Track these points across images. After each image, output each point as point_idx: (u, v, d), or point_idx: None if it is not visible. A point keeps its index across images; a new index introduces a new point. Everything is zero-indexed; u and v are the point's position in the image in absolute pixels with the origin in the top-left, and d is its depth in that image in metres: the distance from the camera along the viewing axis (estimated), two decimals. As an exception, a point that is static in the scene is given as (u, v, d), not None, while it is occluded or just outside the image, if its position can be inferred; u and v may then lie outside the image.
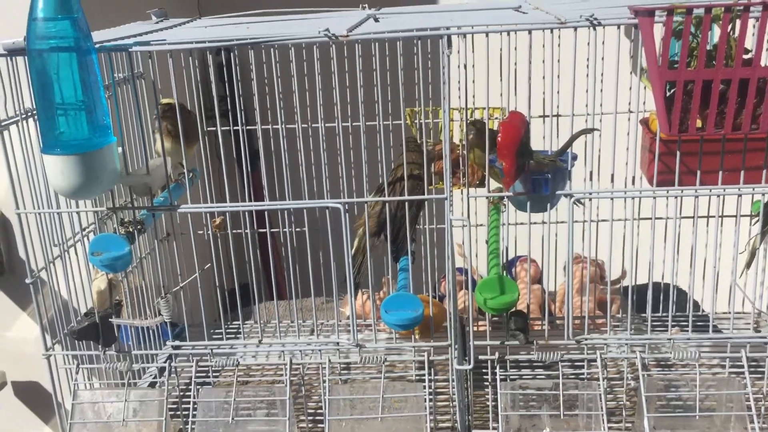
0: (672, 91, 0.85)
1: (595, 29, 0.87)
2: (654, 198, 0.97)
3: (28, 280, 1.01)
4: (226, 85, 1.08)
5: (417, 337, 1.16)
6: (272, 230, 1.22)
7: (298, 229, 1.16)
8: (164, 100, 1.07)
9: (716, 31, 0.83)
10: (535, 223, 1.03)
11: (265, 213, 1.16)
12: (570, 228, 0.95)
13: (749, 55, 0.83)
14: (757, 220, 1.02)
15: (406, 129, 1.21)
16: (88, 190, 0.91)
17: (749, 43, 0.83)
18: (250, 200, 1.08)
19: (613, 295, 1.67)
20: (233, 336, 1.27)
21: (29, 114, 0.99)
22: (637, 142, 1.04)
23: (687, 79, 0.84)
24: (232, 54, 1.00)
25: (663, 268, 1.06)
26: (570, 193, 0.96)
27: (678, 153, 0.91)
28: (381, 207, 1.07)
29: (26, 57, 0.88)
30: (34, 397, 1.69)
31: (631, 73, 1.08)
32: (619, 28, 0.89)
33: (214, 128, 1.14)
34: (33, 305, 1.61)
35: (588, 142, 1.01)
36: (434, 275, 1.27)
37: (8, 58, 0.94)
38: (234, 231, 1.17)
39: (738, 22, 0.81)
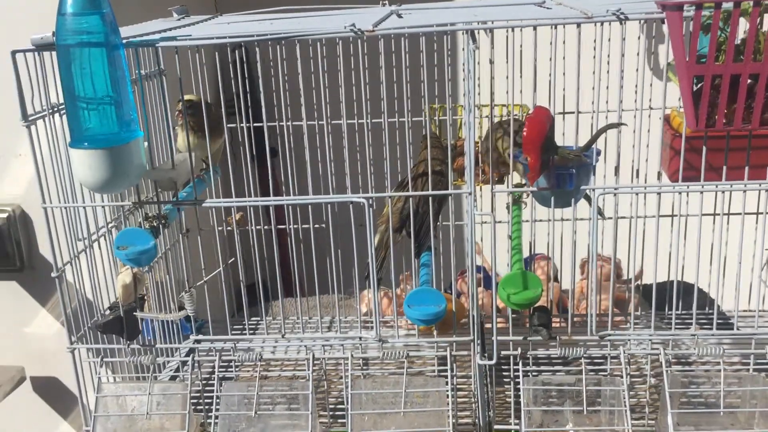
0: (699, 85, 0.85)
1: (622, 24, 0.87)
2: (679, 194, 0.97)
3: (54, 274, 1.02)
4: (247, 81, 1.09)
5: (435, 333, 1.16)
6: (293, 226, 1.23)
7: (317, 226, 1.17)
8: (186, 96, 1.07)
9: (744, 26, 0.83)
10: (556, 219, 1.03)
11: (285, 209, 1.16)
12: (594, 224, 0.95)
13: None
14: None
15: (426, 126, 1.21)
16: (115, 184, 0.91)
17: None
18: (270, 195, 1.08)
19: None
20: (253, 331, 1.28)
21: (56, 109, 0.99)
22: (658, 138, 1.04)
23: (715, 73, 0.84)
24: (256, 49, 1.00)
25: (683, 264, 1.06)
26: (593, 189, 0.96)
27: (704, 148, 0.91)
28: (403, 203, 1.07)
29: (55, 52, 0.88)
30: (53, 393, 1.70)
31: (651, 69, 1.08)
32: (641, 23, 0.89)
33: (234, 125, 1.15)
34: (52, 301, 1.63)
35: (610, 138, 1.01)
36: (452, 272, 1.27)
37: (35, 53, 0.94)
38: (256, 227, 1.18)
39: (767, 17, 0.81)
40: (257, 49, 0.97)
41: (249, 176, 1.09)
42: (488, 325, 1.09)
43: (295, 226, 1.21)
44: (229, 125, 1.16)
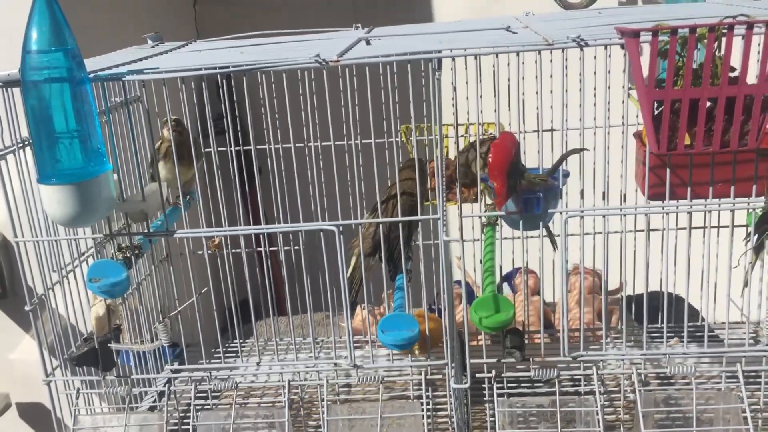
0: (660, 109, 0.86)
1: (582, 50, 0.88)
2: (647, 215, 0.98)
3: (27, 308, 1.02)
4: (224, 106, 1.09)
5: (417, 352, 1.16)
6: (270, 249, 1.23)
7: (296, 248, 1.17)
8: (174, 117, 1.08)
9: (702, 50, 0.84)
10: (531, 237, 1.03)
11: (263, 233, 1.17)
12: (563, 244, 0.95)
13: (735, 73, 0.84)
14: (749, 240, 1.03)
15: (401, 147, 1.22)
16: (84, 219, 0.92)
17: (735, 61, 0.84)
18: (247, 221, 1.09)
19: (613, 305, 1.68)
20: (233, 355, 1.28)
21: (26, 143, 1.00)
22: (629, 156, 1.05)
23: (674, 98, 0.84)
24: (227, 79, 1.00)
25: (659, 279, 1.07)
26: (561, 212, 0.96)
27: (668, 170, 0.92)
28: (375, 228, 1.07)
29: (21, 88, 0.89)
30: (39, 419, 1.70)
31: (623, 87, 1.08)
32: (606, 48, 0.90)
33: (209, 149, 1.15)
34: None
35: (581, 157, 1.01)
36: (432, 290, 1.27)
37: (4, 89, 0.95)
38: (233, 251, 1.18)
39: (723, 41, 0.82)
40: (227, 79, 0.98)
41: (224, 201, 1.09)
42: (471, 343, 1.09)
43: (273, 248, 1.21)
44: (206, 150, 1.17)
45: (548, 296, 1.63)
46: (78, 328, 1.10)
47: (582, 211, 0.95)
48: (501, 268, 1.03)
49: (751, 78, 0.84)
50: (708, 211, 0.96)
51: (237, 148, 1.20)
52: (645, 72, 0.85)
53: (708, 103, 0.84)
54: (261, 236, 1.23)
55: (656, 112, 0.86)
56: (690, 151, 0.88)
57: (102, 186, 0.91)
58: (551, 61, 1.01)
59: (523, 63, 0.97)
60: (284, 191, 1.12)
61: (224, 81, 1.04)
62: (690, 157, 0.91)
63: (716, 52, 0.83)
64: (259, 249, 1.27)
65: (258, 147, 1.13)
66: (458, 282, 1.59)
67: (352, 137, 1.04)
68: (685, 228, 1.06)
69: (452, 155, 1.25)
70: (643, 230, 1.04)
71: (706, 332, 1.01)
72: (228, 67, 0.93)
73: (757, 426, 1.01)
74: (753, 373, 1.08)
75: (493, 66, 0.97)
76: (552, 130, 1.08)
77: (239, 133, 1.12)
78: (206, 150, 1.18)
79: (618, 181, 1.06)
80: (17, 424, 1.69)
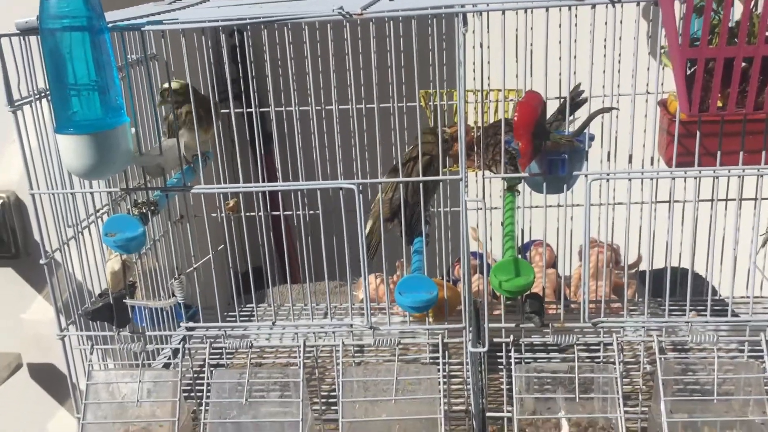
0: (693, 69, 0.84)
1: (614, 7, 0.85)
2: (672, 179, 0.96)
3: (42, 261, 1.02)
4: (239, 66, 1.08)
5: (431, 320, 1.15)
6: (285, 213, 1.22)
7: (311, 212, 1.16)
8: (175, 83, 1.06)
9: (738, 8, 0.81)
10: (550, 206, 1.01)
11: (279, 195, 1.15)
12: (587, 209, 0.94)
13: (772, 32, 0.81)
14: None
15: (420, 111, 1.20)
16: (101, 171, 0.91)
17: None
18: (263, 182, 1.07)
19: (629, 279, 1.66)
20: (247, 318, 1.27)
21: (42, 94, 0.99)
22: (655, 124, 1.03)
23: (708, 57, 0.82)
24: (245, 34, 0.99)
25: (680, 251, 1.05)
26: (586, 174, 0.95)
27: (698, 133, 0.90)
28: (393, 193, 1.06)
29: (39, 36, 0.87)
30: (50, 379, 1.70)
31: (649, 53, 1.06)
32: (638, 5, 0.87)
33: (227, 110, 1.14)
34: (48, 287, 1.63)
35: (605, 123, 0.99)
36: (447, 259, 1.26)
37: (21, 37, 0.93)
38: (247, 214, 1.17)
39: (761, -1, 0.79)
40: (245, 34, 0.96)
41: (240, 162, 1.08)
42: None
43: (288, 212, 1.20)
44: (222, 111, 1.15)
45: (561, 269, 1.62)
46: (91, 285, 1.09)
47: (608, 174, 0.93)
48: (522, 232, 1.01)
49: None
50: (736, 177, 0.94)
51: (250, 110, 1.18)
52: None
53: (742, 64, 0.82)
54: (276, 199, 1.22)
55: (689, 72, 0.84)
56: (722, 113, 0.85)
57: (120, 138, 0.90)
58: (576, 25, 0.98)
59: (548, 25, 0.95)
60: (299, 155, 1.11)
61: (243, 36, 1.02)
62: (721, 120, 0.88)
63: (753, 10, 0.80)
64: (274, 213, 1.25)
65: (276, 109, 1.12)
66: (473, 254, 1.58)
67: (374, 101, 1.03)
68: (709, 200, 1.04)
69: (472, 121, 1.23)
70: (666, 201, 1.02)
71: (730, 302, 0.99)
72: (251, 18, 0.91)
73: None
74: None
75: (516, 30, 0.95)
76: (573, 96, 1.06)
77: (256, 95, 1.10)
78: (224, 111, 1.16)
79: (640, 151, 1.05)
80: (28, 384, 1.70)
